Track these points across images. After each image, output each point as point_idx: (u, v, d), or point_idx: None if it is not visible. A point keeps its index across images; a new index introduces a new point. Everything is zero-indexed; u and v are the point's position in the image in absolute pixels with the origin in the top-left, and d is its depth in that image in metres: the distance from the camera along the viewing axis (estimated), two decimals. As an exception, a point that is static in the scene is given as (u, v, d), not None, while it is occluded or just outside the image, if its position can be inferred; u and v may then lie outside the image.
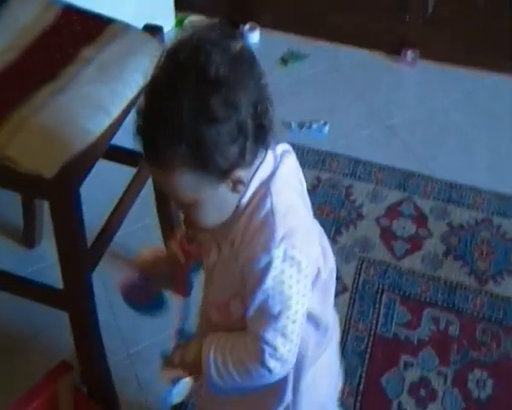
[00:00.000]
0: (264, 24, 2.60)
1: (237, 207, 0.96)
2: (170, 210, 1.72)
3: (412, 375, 1.64)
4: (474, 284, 1.81)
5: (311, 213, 1.06)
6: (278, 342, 0.98)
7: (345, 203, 2.01)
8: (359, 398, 1.59)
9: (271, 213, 0.94)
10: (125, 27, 1.37)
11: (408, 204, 2.01)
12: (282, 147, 1.02)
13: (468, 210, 1.99)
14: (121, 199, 1.45)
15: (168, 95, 0.88)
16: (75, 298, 1.37)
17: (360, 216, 1.97)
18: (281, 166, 0.99)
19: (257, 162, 0.95)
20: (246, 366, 1.02)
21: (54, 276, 1.63)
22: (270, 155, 0.97)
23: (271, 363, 1.00)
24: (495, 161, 2.14)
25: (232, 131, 0.88)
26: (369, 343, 1.69)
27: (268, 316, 0.97)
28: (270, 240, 0.92)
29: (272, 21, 2.61)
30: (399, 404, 1.59)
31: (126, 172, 1.56)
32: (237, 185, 0.93)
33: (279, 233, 0.93)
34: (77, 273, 1.33)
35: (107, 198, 1.51)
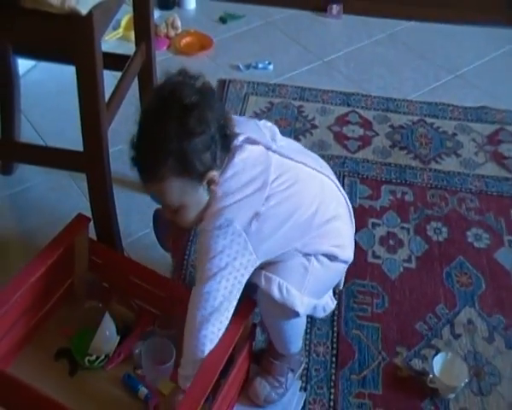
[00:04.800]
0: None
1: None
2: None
3: (380, 231, 1.89)
4: (419, 164, 2.11)
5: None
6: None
7: (298, 118, 2.27)
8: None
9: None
10: None
11: (353, 115, 2.30)
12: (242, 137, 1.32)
13: (404, 115, 2.30)
14: (126, 69, 1.63)
15: (156, 121, 1.21)
16: (96, 157, 1.52)
17: (314, 126, 2.24)
18: (233, 158, 1.29)
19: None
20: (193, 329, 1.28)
21: (32, 198, 1.86)
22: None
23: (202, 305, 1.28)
24: (419, 79, 2.49)
25: (206, 141, 1.22)
26: (340, 213, 1.93)
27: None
28: (209, 224, 1.27)
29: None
30: (373, 252, 1.84)
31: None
32: (211, 185, 1.26)
33: (216, 220, 1.27)
34: (98, 130, 1.49)
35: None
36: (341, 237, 1.42)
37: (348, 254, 1.43)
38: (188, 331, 1.29)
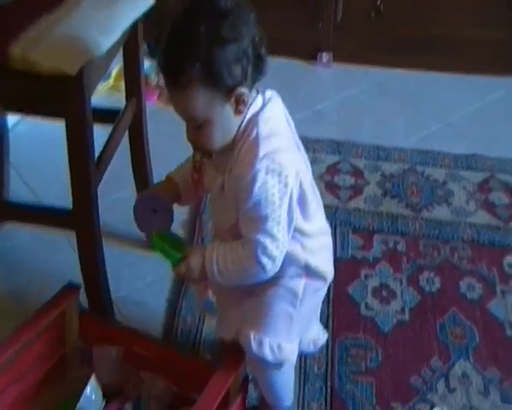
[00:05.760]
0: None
1: (235, 136, 1.20)
2: (147, 177, 1.92)
3: (373, 282, 1.88)
4: (411, 213, 2.11)
5: (298, 146, 1.29)
6: (267, 241, 1.19)
7: (290, 168, 2.27)
8: (331, 305, 1.81)
9: (256, 137, 1.17)
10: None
11: (344, 164, 2.31)
12: (271, 92, 1.26)
13: (395, 163, 2.31)
14: (116, 124, 1.64)
15: (186, 23, 1.12)
16: (85, 215, 1.52)
17: (305, 176, 2.24)
18: (268, 104, 1.22)
19: (250, 100, 1.19)
20: (243, 264, 1.22)
21: (20, 253, 1.94)
22: (259, 97, 1.22)
23: (264, 259, 1.21)
24: (409, 127, 2.50)
25: (237, 52, 1.12)
26: (332, 265, 1.92)
27: (257, 220, 1.18)
28: (255, 158, 1.15)
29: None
30: (366, 304, 1.83)
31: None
32: (239, 105, 1.16)
33: (261, 153, 1.15)
34: (87, 188, 1.49)
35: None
36: (330, 251, 1.40)
37: (331, 270, 1.40)
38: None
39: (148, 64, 2.73)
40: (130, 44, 1.72)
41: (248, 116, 1.19)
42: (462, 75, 2.73)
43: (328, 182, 2.22)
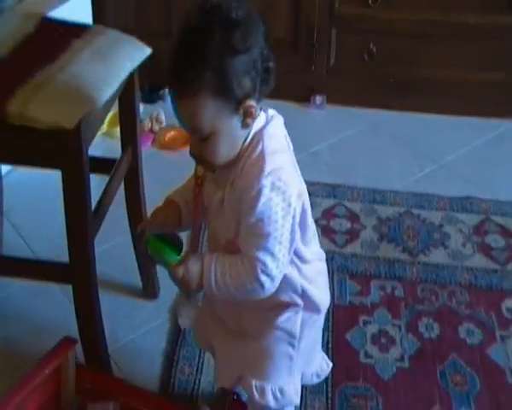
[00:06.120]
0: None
1: (239, 151, 1.18)
2: (142, 218, 1.90)
3: (372, 329, 1.87)
4: (408, 258, 2.10)
5: (296, 167, 1.29)
6: (268, 259, 1.17)
7: (286, 212, 2.26)
8: (330, 353, 1.79)
9: (262, 152, 1.17)
10: (105, 28, 1.61)
11: (340, 207, 2.31)
12: (273, 111, 1.27)
13: (391, 207, 2.31)
14: (112, 174, 1.63)
15: (199, 32, 1.10)
16: (82, 269, 1.50)
17: (301, 220, 2.23)
18: (271, 122, 1.22)
19: (257, 114, 1.18)
20: (242, 280, 1.19)
21: (13, 305, 1.91)
22: (262, 113, 1.22)
23: (263, 277, 1.18)
24: (404, 169, 2.51)
25: (247, 63, 1.11)
26: (330, 311, 1.90)
27: (258, 237, 1.17)
28: (261, 173, 1.14)
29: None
30: (366, 352, 1.81)
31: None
32: (247, 117, 1.14)
33: (268, 168, 1.14)
34: (84, 242, 1.48)
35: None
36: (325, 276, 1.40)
37: (328, 297, 1.39)
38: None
39: (142, 108, 2.77)
40: (126, 93, 1.72)
41: (253, 131, 1.18)
42: (455, 116, 2.74)
43: (324, 226, 2.22)
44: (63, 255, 1.51)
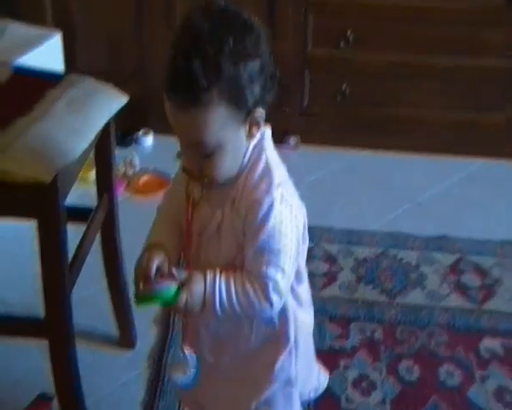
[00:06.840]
0: (157, 130, 2.88)
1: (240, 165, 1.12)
2: (119, 273, 1.88)
3: (352, 373, 1.86)
4: (386, 299, 2.11)
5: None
6: (278, 276, 1.12)
7: (263, 255, 2.26)
8: (311, 402, 1.77)
9: (267, 165, 1.13)
10: (79, 77, 1.60)
11: (317, 250, 2.31)
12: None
13: (367, 247, 2.32)
14: (89, 223, 1.61)
15: (209, 36, 1.01)
16: (58, 324, 1.47)
17: (279, 263, 2.23)
18: (265, 133, 1.16)
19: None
20: (250, 299, 1.13)
21: None
22: None
23: (274, 296, 1.13)
24: (379, 208, 2.53)
25: (258, 70, 1.05)
26: (310, 356, 1.89)
27: (269, 253, 1.11)
28: (271, 185, 1.11)
29: (165, 127, 2.91)
30: (347, 397, 1.80)
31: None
32: (253, 127, 1.09)
33: (276, 179, 1.12)
34: (61, 296, 1.45)
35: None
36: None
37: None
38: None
39: (115, 152, 2.75)
40: (102, 141, 1.71)
41: (254, 142, 1.14)
42: (429, 155, 2.78)
43: (301, 269, 2.21)
44: (36, 308, 1.48)
